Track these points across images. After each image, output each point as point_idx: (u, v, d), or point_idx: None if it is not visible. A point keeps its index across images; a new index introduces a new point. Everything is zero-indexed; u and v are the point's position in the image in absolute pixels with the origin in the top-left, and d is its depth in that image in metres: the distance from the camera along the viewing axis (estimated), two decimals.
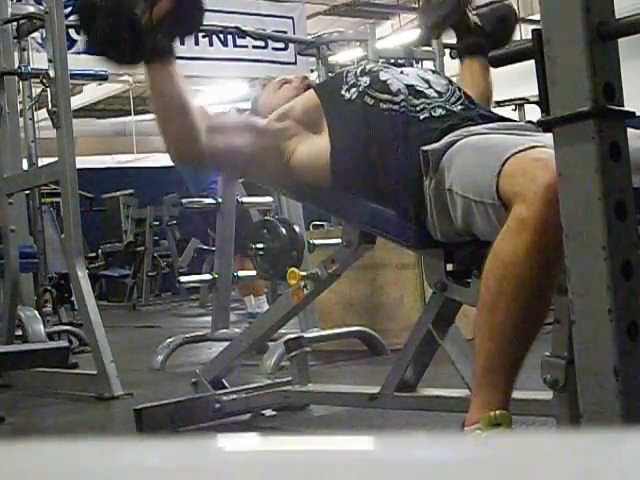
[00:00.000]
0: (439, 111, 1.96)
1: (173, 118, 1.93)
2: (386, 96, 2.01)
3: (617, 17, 1.11)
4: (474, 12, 2.28)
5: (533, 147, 1.58)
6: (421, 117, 1.95)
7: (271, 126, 2.13)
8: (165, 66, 1.88)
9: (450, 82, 2.09)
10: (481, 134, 1.78)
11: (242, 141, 2.07)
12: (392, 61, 2.24)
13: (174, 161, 2.08)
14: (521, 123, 1.96)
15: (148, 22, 1.82)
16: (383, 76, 2.07)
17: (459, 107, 1.99)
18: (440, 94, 2.01)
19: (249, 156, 2.09)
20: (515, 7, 2.56)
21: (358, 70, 2.12)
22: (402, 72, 2.10)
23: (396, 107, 1.98)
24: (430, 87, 2.03)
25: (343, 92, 2.08)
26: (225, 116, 2.22)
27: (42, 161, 4.56)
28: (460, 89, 2.08)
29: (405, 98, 1.99)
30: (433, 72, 2.14)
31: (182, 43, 1.93)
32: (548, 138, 1.19)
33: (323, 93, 2.17)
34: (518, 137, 1.71)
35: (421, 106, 1.97)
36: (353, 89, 2.07)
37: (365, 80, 2.07)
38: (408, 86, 2.02)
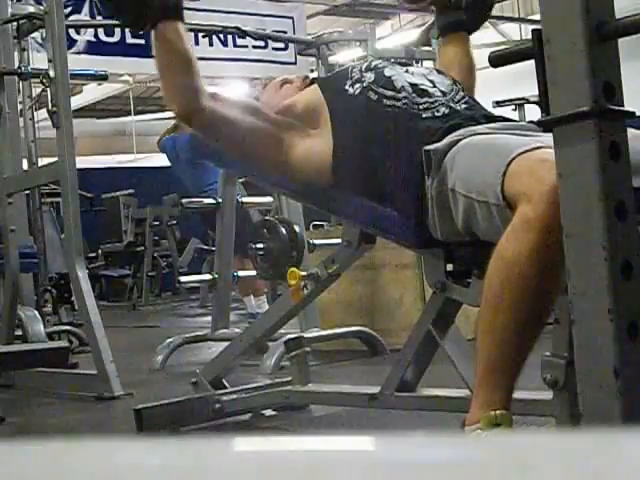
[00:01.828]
0: (442, 110, 1.95)
1: (177, 72, 1.96)
2: (390, 92, 2.00)
3: (617, 17, 1.11)
4: None
5: (538, 148, 1.57)
6: (423, 115, 1.94)
7: (273, 115, 2.14)
8: (172, 23, 1.92)
9: (455, 82, 2.09)
10: (484, 134, 1.78)
11: (242, 116, 2.08)
12: (398, 60, 2.22)
13: (177, 117, 2.09)
14: (523, 123, 1.95)
15: None
16: (388, 72, 2.06)
17: (462, 106, 1.98)
18: (444, 93, 2.01)
19: (247, 132, 2.08)
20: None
21: (363, 66, 2.12)
22: (407, 71, 2.09)
23: (399, 104, 1.98)
24: (435, 87, 2.02)
25: (347, 87, 2.08)
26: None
27: (42, 161, 4.56)
28: (464, 89, 2.08)
29: (408, 95, 1.98)
30: (438, 72, 2.14)
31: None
32: (550, 138, 1.19)
33: (327, 87, 2.17)
34: (521, 137, 1.70)
35: (424, 105, 1.96)
36: (357, 84, 2.07)
37: (370, 76, 2.07)
38: (412, 84, 2.01)
